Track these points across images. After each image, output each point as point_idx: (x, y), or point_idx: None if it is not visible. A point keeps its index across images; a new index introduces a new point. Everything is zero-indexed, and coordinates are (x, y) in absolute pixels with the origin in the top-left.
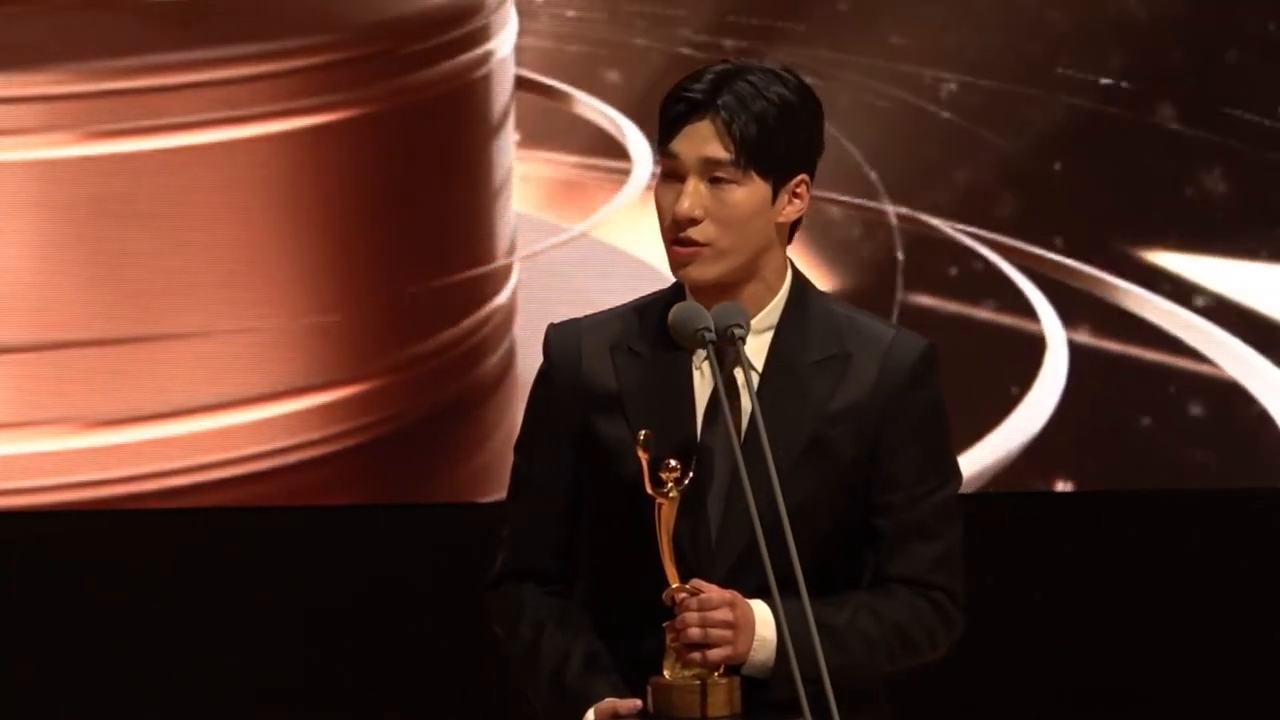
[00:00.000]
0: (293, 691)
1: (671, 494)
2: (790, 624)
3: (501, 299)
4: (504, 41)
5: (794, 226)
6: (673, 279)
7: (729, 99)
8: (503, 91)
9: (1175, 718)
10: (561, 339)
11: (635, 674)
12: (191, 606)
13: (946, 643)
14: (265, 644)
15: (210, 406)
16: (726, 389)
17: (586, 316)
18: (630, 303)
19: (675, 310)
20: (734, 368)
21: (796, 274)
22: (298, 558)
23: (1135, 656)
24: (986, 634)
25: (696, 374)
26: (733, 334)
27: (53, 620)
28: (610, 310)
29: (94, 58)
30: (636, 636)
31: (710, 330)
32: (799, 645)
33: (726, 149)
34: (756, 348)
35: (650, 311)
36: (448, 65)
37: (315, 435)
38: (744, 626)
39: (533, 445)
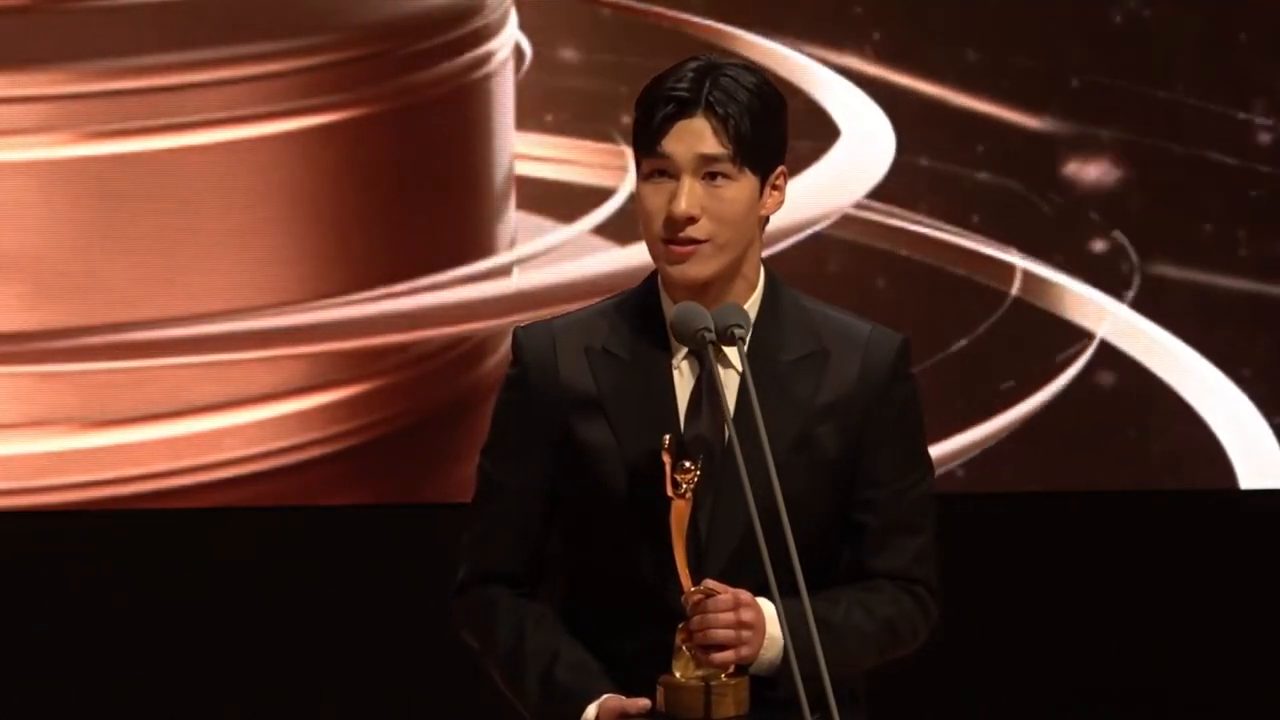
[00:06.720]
0: (293, 691)
1: (686, 495)
2: (793, 622)
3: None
4: (504, 42)
5: (765, 220)
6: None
7: (718, 94)
8: (503, 92)
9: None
10: (534, 342)
11: (614, 676)
12: (191, 606)
13: (926, 634)
14: (265, 644)
15: (210, 406)
16: (709, 389)
17: (557, 318)
18: (601, 302)
19: (676, 310)
20: (714, 367)
21: (768, 269)
22: (298, 558)
23: (1129, 659)
24: (974, 634)
25: (676, 374)
26: (733, 334)
27: (53, 620)
28: (581, 310)
29: (94, 58)
30: (617, 638)
31: (710, 330)
32: (806, 643)
33: (723, 145)
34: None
35: (624, 311)
36: (448, 65)
37: (315, 435)
38: (760, 626)
39: (505, 449)
